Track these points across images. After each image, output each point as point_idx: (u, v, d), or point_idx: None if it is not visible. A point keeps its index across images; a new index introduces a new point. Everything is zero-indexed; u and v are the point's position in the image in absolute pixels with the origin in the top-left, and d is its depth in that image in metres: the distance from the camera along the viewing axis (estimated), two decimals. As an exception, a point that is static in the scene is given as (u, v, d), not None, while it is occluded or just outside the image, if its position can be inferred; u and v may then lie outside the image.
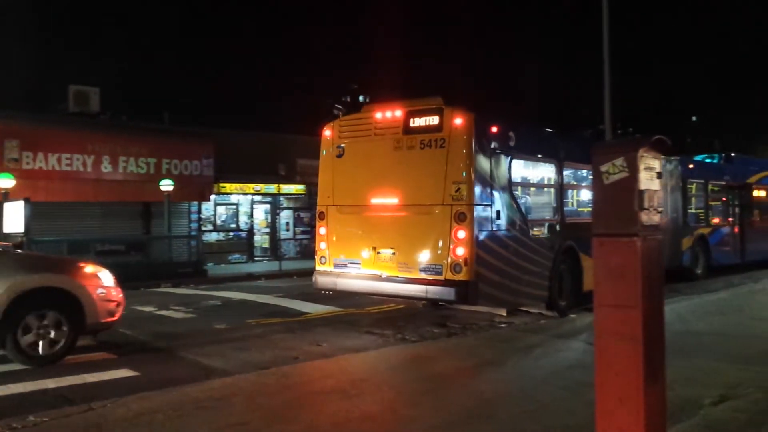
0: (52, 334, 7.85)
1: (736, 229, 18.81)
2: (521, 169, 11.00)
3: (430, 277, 9.74)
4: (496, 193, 10.06)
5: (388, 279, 10.18)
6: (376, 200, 10.52)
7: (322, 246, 11.07)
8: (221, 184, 23.41)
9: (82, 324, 8.00)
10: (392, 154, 10.27)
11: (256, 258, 24.85)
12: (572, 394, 6.11)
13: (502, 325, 10.53)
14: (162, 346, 9.03)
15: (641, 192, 3.72)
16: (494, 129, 10.18)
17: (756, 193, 20.00)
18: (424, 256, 9.87)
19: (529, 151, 11.03)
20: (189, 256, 20.39)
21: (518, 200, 10.70)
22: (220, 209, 24.66)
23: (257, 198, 25.52)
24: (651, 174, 3.81)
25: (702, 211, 17.77)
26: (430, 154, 9.86)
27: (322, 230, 11.12)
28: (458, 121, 9.71)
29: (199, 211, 23.39)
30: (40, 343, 7.78)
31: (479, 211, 9.67)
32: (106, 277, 8.39)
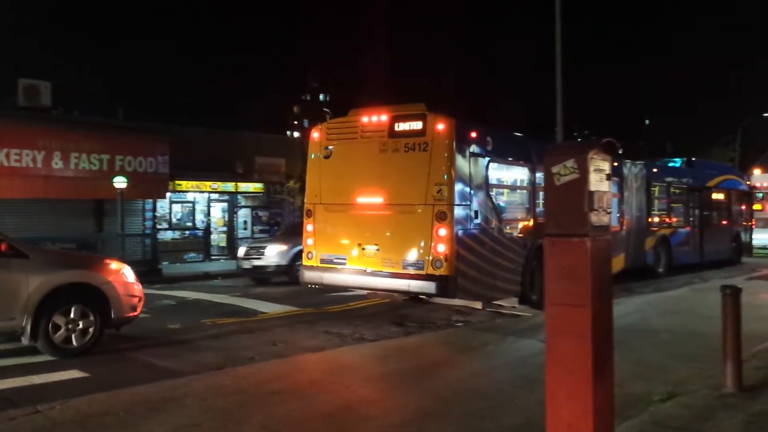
0: (81, 327, 8.20)
1: (696, 230, 19.47)
2: (497, 172, 11.65)
3: (413, 272, 10.35)
4: (474, 194, 10.69)
5: (373, 274, 10.74)
6: (361, 199, 11.08)
7: (309, 242, 11.62)
8: (177, 182, 23.00)
9: (108, 318, 8.40)
10: (378, 156, 10.83)
11: (213, 257, 24.49)
12: (527, 391, 6.20)
13: (459, 324, 10.62)
14: (113, 347, 8.83)
15: (591, 193, 3.79)
16: (473, 134, 10.84)
17: (714, 196, 20.74)
18: (407, 252, 10.44)
19: (504, 155, 11.72)
20: (143, 255, 19.98)
21: (494, 200, 11.32)
22: (176, 207, 24.23)
23: (214, 196, 25.16)
24: (601, 175, 3.88)
25: (664, 212, 18.32)
26: (413, 157, 10.46)
27: (309, 227, 11.65)
28: (440, 126, 10.31)
29: (154, 209, 22.92)
30: (69, 335, 8.10)
31: (459, 211, 10.29)
32: (129, 274, 8.81)
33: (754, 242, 23.29)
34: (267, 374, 7.03)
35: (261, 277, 16.64)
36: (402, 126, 10.67)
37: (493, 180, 11.35)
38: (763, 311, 9.73)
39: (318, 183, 11.67)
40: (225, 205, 25.58)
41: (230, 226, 25.50)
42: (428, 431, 5.38)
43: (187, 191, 24.11)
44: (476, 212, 10.70)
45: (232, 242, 24.61)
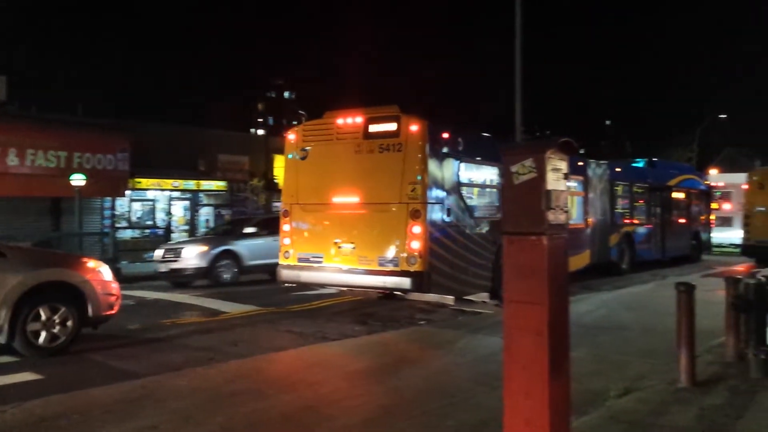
0: (58, 327, 8.15)
1: (658, 228, 20.00)
2: (468, 172, 11.95)
3: (388, 269, 10.64)
4: (446, 193, 11.06)
5: (349, 271, 10.99)
6: (337, 199, 11.34)
7: (286, 242, 11.82)
8: (137, 179, 22.64)
9: (85, 316, 8.40)
10: (353, 157, 11.13)
11: (175, 256, 24.14)
12: (488, 388, 6.24)
13: (422, 323, 10.66)
14: (70, 348, 8.63)
15: (548, 192, 3.83)
16: (445, 135, 11.20)
17: (675, 195, 21.34)
18: (382, 250, 10.72)
19: (475, 155, 12.03)
20: (102, 254, 19.56)
21: (465, 199, 11.68)
22: (136, 205, 23.85)
23: (176, 194, 24.83)
24: (558, 175, 3.93)
25: (628, 211, 18.77)
26: (388, 157, 10.77)
27: (286, 227, 11.87)
28: (414, 127, 10.64)
29: (113, 208, 22.54)
30: (47, 334, 8.06)
31: (432, 209, 10.65)
32: (107, 272, 8.82)
33: (713, 240, 23.95)
34: (227, 374, 6.95)
35: (179, 280, 15.96)
36: (376, 127, 10.98)
37: (464, 179, 11.70)
38: (717, 308, 9.96)
39: (295, 183, 11.89)
40: (187, 203, 25.27)
41: (192, 224, 25.20)
42: (389, 430, 5.38)
43: (147, 189, 23.76)
44: (448, 210, 11.05)
45: (195, 241, 24.28)
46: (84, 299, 8.34)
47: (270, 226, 16.73)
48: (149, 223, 24.25)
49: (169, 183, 24.10)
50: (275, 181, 28.00)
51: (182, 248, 16.07)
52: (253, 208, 26.80)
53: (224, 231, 18.72)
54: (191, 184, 24.60)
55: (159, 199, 24.48)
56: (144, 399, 6.02)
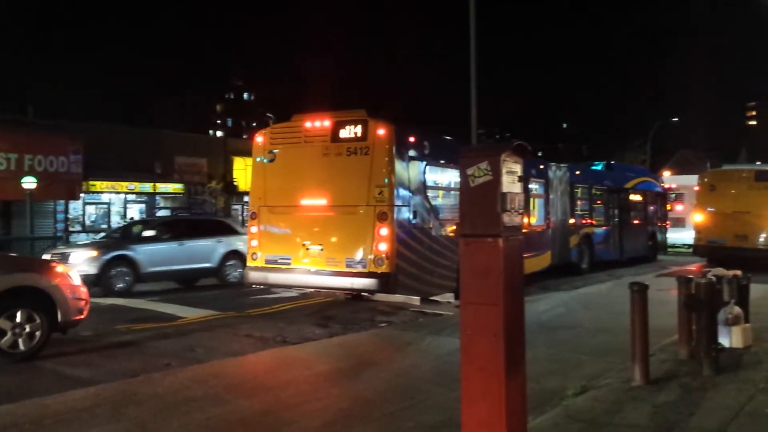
0: (28, 332, 8.03)
1: (616, 229, 20.49)
2: (434, 174, 12.22)
3: (355, 270, 10.81)
4: (413, 195, 11.27)
5: (317, 273, 11.12)
6: (305, 201, 11.46)
7: (253, 244, 11.91)
8: (91, 182, 22.16)
9: (55, 321, 8.28)
10: (321, 160, 11.25)
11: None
12: (447, 389, 6.26)
13: (383, 325, 10.66)
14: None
15: (503, 194, 3.87)
16: (412, 139, 11.45)
17: (632, 197, 21.91)
18: (350, 252, 10.88)
19: (440, 158, 12.19)
20: (55, 259, 19.09)
21: (431, 201, 11.87)
22: (90, 209, 23.34)
23: (131, 197, 24.39)
24: (513, 177, 3.97)
25: (587, 212, 19.17)
26: (355, 160, 10.93)
27: (253, 229, 11.98)
28: (381, 131, 10.82)
29: (66, 211, 22.02)
30: (16, 339, 7.92)
31: (399, 211, 10.84)
32: (75, 276, 8.75)
33: (669, 240, 24.58)
34: (184, 380, 6.83)
35: None
36: (344, 131, 11.11)
37: (429, 182, 11.90)
38: (671, 307, 10.19)
39: (262, 186, 11.95)
40: (143, 206, 24.84)
41: (149, 228, 24.70)
42: (349, 433, 5.37)
43: (102, 192, 23.28)
44: (415, 213, 11.25)
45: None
46: (53, 304, 8.23)
47: (176, 228, 16.20)
48: (104, 226, 23.72)
49: (124, 185, 23.66)
50: (234, 183, 27.71)
51: (70, 253, 14.69)
52: (211, 211, 26.47)
53: (123, 234, 17.12)
54: (147, 186, 24.18)
55: (114, 202, 23.99)
56: (97, 407, 5.88)
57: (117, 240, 16.23)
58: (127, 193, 23.99)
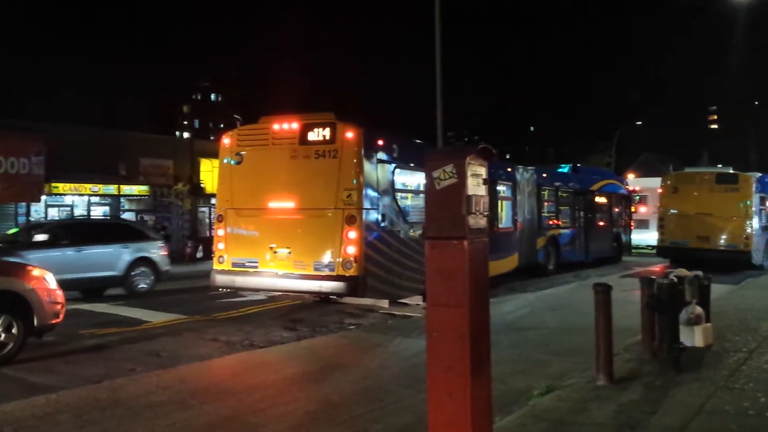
0: (3, 336, 7.95)
1: (582, 231, 20.78)
2: (402, 177, 12.19)
3: (324, 273, 10.77)
4: (381, 198, 11.27)
5: (285, 276, 11.04)
6: (273, 204, 11.37)
7: (220, 246, 11.78)
8: (54, 184, 21.71)
9: (31, 325, 8.21)
10: (289, 163, 11.18)
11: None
12: (415, 391, 6.27)
13: (351, 327, 10.64)
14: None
15: (469, 197, 3.90)
16: (380, 142, 11.41)
17: (597, 199, 22.25)
18: (318, 255, 10.83)
19: (409, 161, 12.16)
20: (16, 263, 18.63)
21: (400, 205, 11.90)
22: (53, 211, 22.84)
23: (95, 199, 23.95)
24: (478, 180, 4.01)
25: (554, 214, 19.43)
26: (323, 163, 10.89)
27: (220, 232, 11.86)
28: (349, 134, 10.82)
29: (28, 213, 21.53)
30: None
31: (367, 215, 10.84)
32: (51, 280, 8.68)
33: (633, 242, 25.01)
34: (148, 386, 6.73)
35: None
36: (312, 134, 11.06)
37: (398, 185, 11.92)
38: (635, 307, 10.38)
39: (229, 188, 11.86)
40: (107, 208, 24.40)
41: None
42: (316, 436, 5.35)
43: (65, 194, 22.83)
44: (383, 216, 11.25)
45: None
46: (29, 308, 8.16)
47: (75, 233, 14.66)
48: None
49: (88, 187, 23.22)
50: (201, 185, 27.39)
51: None
52: (177, 213, 26.12)
53: (16, 239, 14.93)
54: (111, 188, 23.75)
55: (78, 205, 23.54)
56: (60, 413, 5.76)
57: (8, 245, 14.16)
58: (90, 195, 23.54)
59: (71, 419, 5.64)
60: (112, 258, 14.57)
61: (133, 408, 5.96)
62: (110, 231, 15.86)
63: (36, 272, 8.69)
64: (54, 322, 8.60)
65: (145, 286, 14.98)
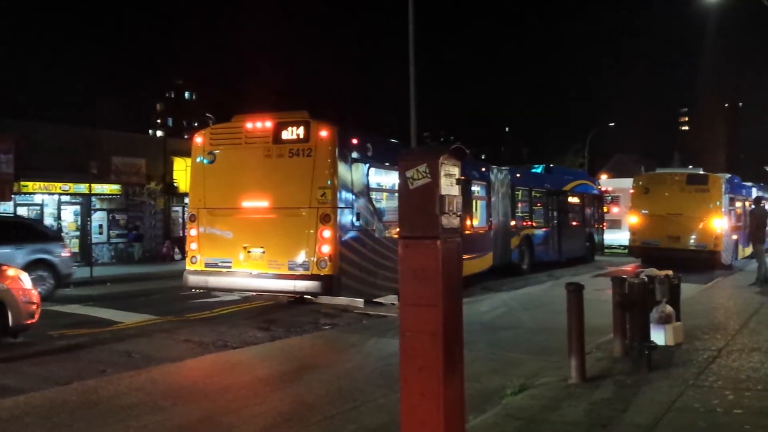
0: None
1: (555, 231, 20.97)
2: (377, 176, 12.17)
3: (298, 273, 10.70)
4: (356, 197, 11.24)
5: (259, 276, 10.96)
6: (246, 203, 11.28)
7: (193, 246, 11.63)
8: (23, 183, 21.24)
9: (5, 325, 8.18)
10: (262, 162, 11.11)
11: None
12: (389, 391, 6.27)
13: (326, 327, 10.61)
14: None
15: (442, 197, 3.90)
16: (354, 141, 11.43)
17: (571, 199, 22.51)
18: (293, 254, 10.76)
19: (383, 160, 12.14)
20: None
21: (375, 203, 11.88)
22: (22, 210, 22.35)
23: (66, 198, 23.49)
24: (451, 180, 4.02)
25: (527, 214, 19.57)
26: (297, 162, 10.82)
27: (192, 231, 11.71)
28: (323, 133, 10.77)
29: (-4, 213, 21.04)
30: None
31: (342, 213, 10.80)
32: (26, 279, 8.65)
33: (606, 241, 25.33)
34: (119, 387, 6.63)
35: None
36: (286, 133, 10.99)
37: (373, 184, 11.88)
38: (607, 306, 10.51)
39: (202, 187, 11.71)
40: (78, 208, 23.97)
41: (84, 230, 23.88)
42: (289, 437, 5.32)
43: (34, 193, 22.38)
44: (358, 215, 11.24)
45: (87, 248, 23.02)
46: (4, 308, 8.11)
47: None
48: (37, 229, 22.77)
49: (58, 186, 22.76)
50: (174, 184, 27.08)
51: None
52: (150, 213, 25.79)
53: None
54: (82, 187, 23.25)
55: (47, 204, 23.09)
56: (27, 416, 5.66)
57: None
58: (61, 194, 23.10)
59: (39, 422, 5.54)
60: (3, 260, 12.12)
61: (104, 410, 5.87)
62: (5, 230, 14.33)
63: (11, 272, 8.60)
64: (29, 322, 8.52)
65: (43, 291, 13.00)
